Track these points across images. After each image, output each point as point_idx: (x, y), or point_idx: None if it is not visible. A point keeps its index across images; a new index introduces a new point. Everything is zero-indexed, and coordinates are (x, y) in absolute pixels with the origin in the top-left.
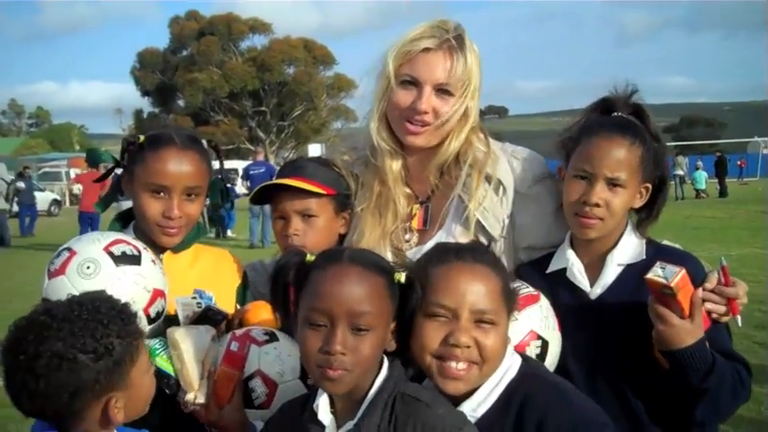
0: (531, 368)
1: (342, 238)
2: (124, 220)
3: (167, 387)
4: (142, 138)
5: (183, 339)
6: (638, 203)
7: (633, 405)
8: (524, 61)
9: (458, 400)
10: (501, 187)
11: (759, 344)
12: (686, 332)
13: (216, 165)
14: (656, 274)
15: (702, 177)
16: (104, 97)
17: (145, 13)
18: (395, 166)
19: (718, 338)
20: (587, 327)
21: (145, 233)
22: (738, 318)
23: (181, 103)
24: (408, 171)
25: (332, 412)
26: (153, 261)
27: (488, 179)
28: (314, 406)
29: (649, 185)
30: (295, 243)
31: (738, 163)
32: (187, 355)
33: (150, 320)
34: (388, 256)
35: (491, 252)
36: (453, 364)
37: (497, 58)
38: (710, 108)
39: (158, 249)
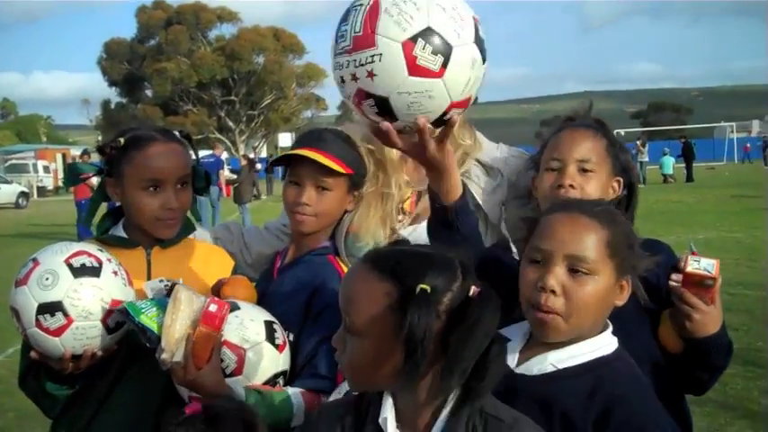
0: (626, 355)
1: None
2: (114, 217)
3: (147, 341)
4: (123, 140)
5: (186, 301)
6: (611, 197)
7: None
8: (492, 49)
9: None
10: (500, 175)
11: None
12: (713, 318)
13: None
14: (695, 267)
15: (670, 162)
16: (71, 88)
17: (106, 1)
18: (394, 154)
19: None
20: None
21: (138, 229)
22: None
23: (149, 93)
24: (405, 158)
25: (398, 427)
26: (114, 272)
27: (486, 167)
28: (380, 420)
29: (621, 180)
30: (305, 211)
31: (745, 147)
32: (182, 315)
33: (110, 330)
34: (385, 236)
35: (604, 206)
36: (540, 312)
37: None
38: (678, 93)
39: (149, 244)
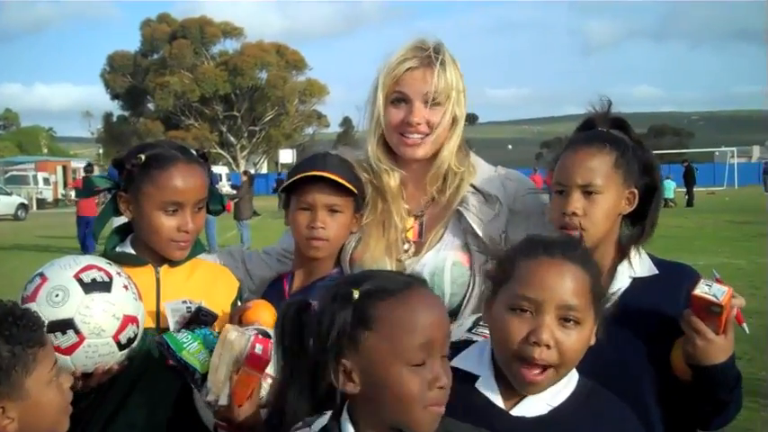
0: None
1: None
2: (123, 233)
3: (192, 381)
4: (143, 157)
5: (236, 343)
6: (627, 209)
7: (645, 415)
8: (494, 69)
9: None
10: (498, 203)
11: None
12: (721, 348)
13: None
14: (704, 291)
15: (671, 187)
16: (73, 100)
17: (108, 14)
18: (393, 183)
19: None
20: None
21: (149, 247)
22: (745, 325)
23: (151, 106)
24: (405, 186)
25: None
26: (125, 287)
27: (484, 195)
28: None
29: (635, 191)
30: (320, 236)
31: None
32: (229, 357)
33: (121, 347)
34: (391, 267)
35: (582, 248)
36: (531, 369)
37: (467, 65)
38: (678, 117)
39: (157, 262)
